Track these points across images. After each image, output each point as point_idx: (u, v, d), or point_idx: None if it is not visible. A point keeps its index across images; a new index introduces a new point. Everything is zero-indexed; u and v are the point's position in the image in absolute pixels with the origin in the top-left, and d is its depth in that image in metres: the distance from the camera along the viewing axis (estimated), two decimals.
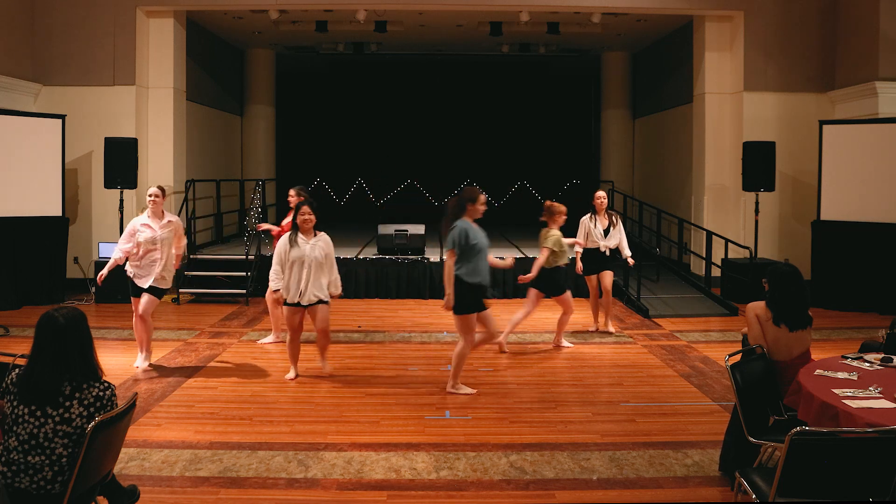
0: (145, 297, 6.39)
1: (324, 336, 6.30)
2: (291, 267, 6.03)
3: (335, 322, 7.94)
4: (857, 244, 9.71)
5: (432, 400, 5.80)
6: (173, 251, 6.55)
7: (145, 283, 6.40)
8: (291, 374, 6.34)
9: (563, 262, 7.20)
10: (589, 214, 8.06)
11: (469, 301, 5.67)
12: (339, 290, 6.28)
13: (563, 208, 7.21)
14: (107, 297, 9.57)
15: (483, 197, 5.81)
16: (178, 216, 10.67)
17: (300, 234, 6.08)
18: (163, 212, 6.50)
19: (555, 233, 7.14)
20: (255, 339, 7.88)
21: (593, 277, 8.00)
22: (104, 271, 6.41)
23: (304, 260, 6.02)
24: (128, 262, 6.45)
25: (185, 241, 6.82)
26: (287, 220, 7.56)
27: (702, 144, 11.45)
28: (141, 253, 6.36)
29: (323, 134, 16.98)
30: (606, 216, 8.02)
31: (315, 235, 6.13)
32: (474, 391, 5.93)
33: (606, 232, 7.95)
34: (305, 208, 6.09)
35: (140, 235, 6.36)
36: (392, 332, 8.23)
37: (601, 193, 8.11)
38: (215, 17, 12.22)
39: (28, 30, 10.53)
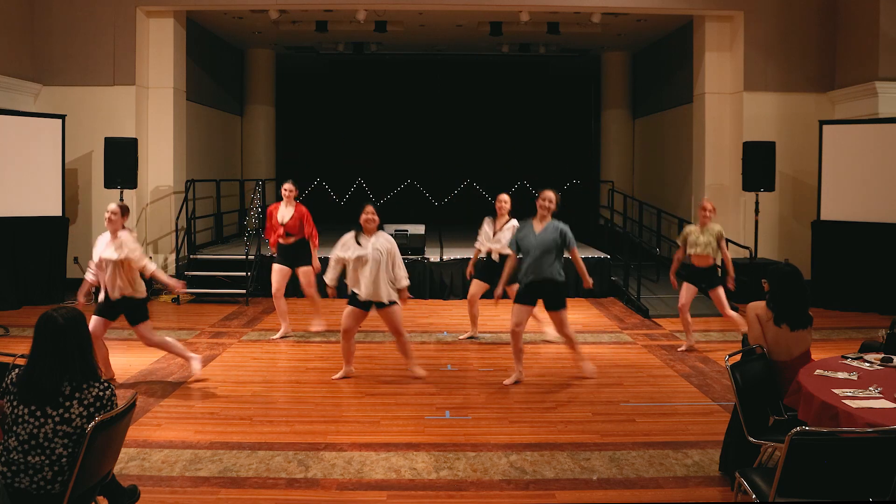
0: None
1: (399, 337, 6.25)
2: (355, 267, 5.99)
3: (335, 322, 7.91)
4: (858, 244, 9.70)
5: (432, 400, 5.80)
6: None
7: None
8: (340, 374, 6.34)
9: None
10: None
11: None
12: (405, 282, 6.19)
13: None
14: None
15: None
16: (178, 217, 10.80)
17: (363, 234, 6.03)
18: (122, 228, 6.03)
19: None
20: (255, 338, 7.89)
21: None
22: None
23: (368, 258, 5.96)
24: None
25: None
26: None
27: (702, 144, 11.45)
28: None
29: (323, 134, 16.97)
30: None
31: (376, 234, 6.07)
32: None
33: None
34: (370, 207, 6.03)
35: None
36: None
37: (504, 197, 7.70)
38: (215, 17, 12.22)
39: (28, 30, 10.53)
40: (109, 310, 5.97)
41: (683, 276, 7.54)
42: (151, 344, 6.11)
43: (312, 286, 7.85)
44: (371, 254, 5.96)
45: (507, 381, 6.24)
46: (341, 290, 6.49)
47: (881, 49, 9.80)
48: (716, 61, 11.30)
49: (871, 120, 9.88)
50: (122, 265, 5.87)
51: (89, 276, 6.09)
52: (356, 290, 6.05)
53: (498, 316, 8.47)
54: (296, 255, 7.72)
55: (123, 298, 5.91)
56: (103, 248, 5.93)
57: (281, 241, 7.67)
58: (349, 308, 6.11)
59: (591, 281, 6.36)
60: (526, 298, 6.12)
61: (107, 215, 5.98)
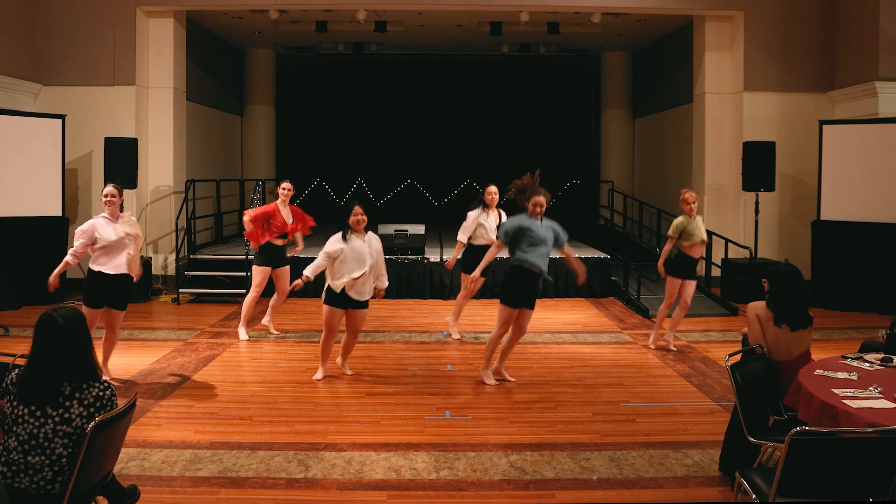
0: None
1: (355, 338, 6.43)
2: (351, 265, 5.98)
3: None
4: (858, 244, 9.70)
5: (432, 400, 5.81)
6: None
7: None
8: (320, 375, 6.36)
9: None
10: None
11: None
12: (387, 282, 6.33)
13: None
14: None
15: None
16: (178, 217, 10.79)
17: (354, 233, 6.02)
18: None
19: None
20: (255, 338, 7.89)
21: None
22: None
23: (366, 255, 6.00)
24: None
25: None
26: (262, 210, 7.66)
27: (702, 144, 11.45)
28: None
29: (323, 134, 16.97)
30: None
31: (367, 235, 6.11)
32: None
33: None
34: (359, 208, 6.03)
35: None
36: (392, 332, 8.23)
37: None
38: (215, 17, 12.22)
39: (28, 30, 10.53)
40: (105, 288, 6.03)
41: (678, 267, 7.42)
42: (113, 332, 6.17)
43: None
44: (370, 252, 6.02)
45: (512, 378, 6.31)
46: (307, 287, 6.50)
47: (881, 49, 9.80)
48: (716, 61, 11.30)
49: (871, 120, 9.88)
50: (135, 243, 6.08)
51: (69, 258, 6.11)
52: (334, 287, 5.98)
53: (496, 317, 8.44)
54: (281, 256, 7.77)
55: (125, 277, 6.04)
56: (114, 227, 5.99)
57: (277, 242, 7.65)
58: (332, 309, 6.04)
59: (583, 275, 6.33)
60: (521, 300, 5.99)
61: (107, 198, 5.97)
